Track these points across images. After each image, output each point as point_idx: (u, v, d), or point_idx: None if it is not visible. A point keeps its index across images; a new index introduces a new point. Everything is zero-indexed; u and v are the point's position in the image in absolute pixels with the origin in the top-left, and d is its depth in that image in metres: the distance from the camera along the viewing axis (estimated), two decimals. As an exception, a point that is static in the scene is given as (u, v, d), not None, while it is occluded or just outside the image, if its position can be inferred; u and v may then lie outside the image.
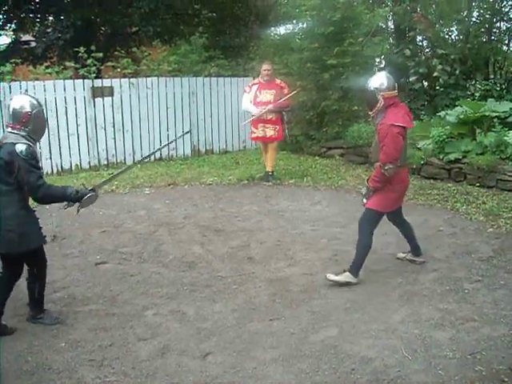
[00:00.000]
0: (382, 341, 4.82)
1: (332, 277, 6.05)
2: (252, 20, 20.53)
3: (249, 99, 10.99)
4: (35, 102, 5.14)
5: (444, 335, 4.89)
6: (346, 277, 6.03)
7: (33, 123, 5.05)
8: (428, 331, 4.96)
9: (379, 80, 5.90)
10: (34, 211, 5.26)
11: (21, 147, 4.86)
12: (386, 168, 5.73)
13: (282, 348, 4.77)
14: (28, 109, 5.03)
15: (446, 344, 4.73)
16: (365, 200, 6.10)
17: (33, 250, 5.14)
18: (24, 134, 4.99)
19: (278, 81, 11.11)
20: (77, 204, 5.26)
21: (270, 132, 10.90)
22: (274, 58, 15.61)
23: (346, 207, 9.11)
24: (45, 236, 5.36)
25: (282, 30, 19.52)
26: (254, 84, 11.07)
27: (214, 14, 20.01)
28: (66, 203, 5.26)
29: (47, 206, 9.09)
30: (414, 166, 10.17)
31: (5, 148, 4.89)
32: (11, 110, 5.06)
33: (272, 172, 11.19)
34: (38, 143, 5.35)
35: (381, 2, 18.11)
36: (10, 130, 5.02)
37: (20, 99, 5.18)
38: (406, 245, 6.67)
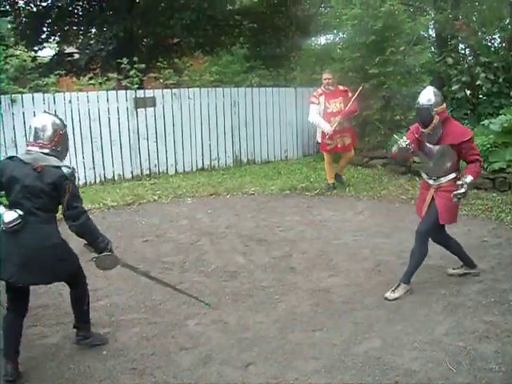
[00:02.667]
0: (425, 353, 4.72)
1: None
2: (293, 30, 20.53)
3: (317, 110, 10.71)
4: (60, 122, 4.85)
5: (489, 348, 4.77)
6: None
7: (62, 143, 4.78)
8: (473, 344, 4.84)
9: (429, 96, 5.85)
10: None
11: (67, 170, 4.58)
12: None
13: (324, 359, 4.71)
14: (59, 128, 4.76)
15: (491, 357, 4.61)
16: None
17: (75, 270, 4.94)
18: (54, 154, 4.67)
19: (340, 87, 10.93)
20: (93, 254, 4.87)
21: (348, 140, 10.88)
22: (315, 68, 15.62)
23: (388, 217, 9.02)
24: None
25: (322, 39, 19.54)
26: (321, 94, 10.77)
27: (255, 25, 20.02)
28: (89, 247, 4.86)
29: (90, 216, 9.20)
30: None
31: (50, 172, 4.51)
32: (39, 127, 4.69)
33: (341, 175, 11.38)
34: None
35: (422, 11, 18.00)
36: (37, 149, 4.62)
37: (48, 117, 4.82)
38: (450, 255, 6.55)
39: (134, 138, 12.76)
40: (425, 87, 6.21)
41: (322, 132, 10.71)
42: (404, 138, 6.06)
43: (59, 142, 4.72)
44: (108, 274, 6.78)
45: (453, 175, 5.97)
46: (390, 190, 10.86)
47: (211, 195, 11.00)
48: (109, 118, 12.45)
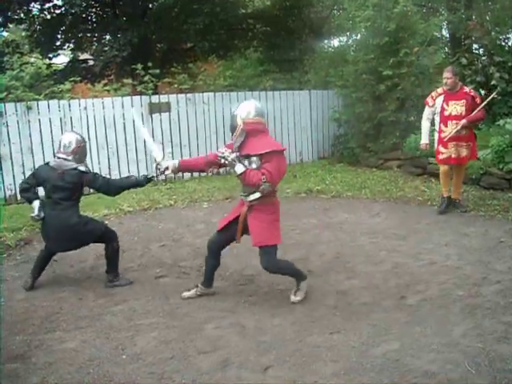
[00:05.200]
0: (444, 355, 4.69)
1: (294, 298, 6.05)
2: (306, 33, 20.55)
3: (429, 113, 9.45)
4: (81, 138, 6.61)
5: (508, 349, 4.73)
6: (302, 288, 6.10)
7: (80, 153, 6.52)
8: (492, 345, 4.80)
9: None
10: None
11: (83, 168, 6.42)
12: None
13: (342, 362, 4.69)
14: (79, 142, 6.52)
15: (510, 358, 4.57)
16: None
17: (100, 235, 6.64)
18: (74, 160, 6.41)
19: (466, 89, 9.28)
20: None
21: (464, 152, 9.09)
22: (328, 70, 15.62)
23: (405, 219, 9.00)
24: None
25: (335, 42, 19.53)
26: (439, 95, 9.25)
27: (268, 28, 20.08)
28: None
29: (107, 221, 9.27)
30: (474, 177, 9.98)
31: (69, 174, 6.32)
32: (64, 143, 6.47)
33: (459, 200, 9.49)
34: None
35: (435, 11, 17.95)
36: (63, 157, 6.41)
37: (72, 135, 6.64)
38: (468, 256, 6.53)
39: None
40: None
41: (439, 137, 9.24)
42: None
43: (78, 152, 6.48)
44: (126, 279, 6.85)
45: (259, 194, 5.73)
46: (405, 191, 10.82)
47: (227, 199, 11.01)
48: (124, 123, 12.51)
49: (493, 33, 15.36)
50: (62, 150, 6.45)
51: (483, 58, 15.90)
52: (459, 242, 7.63)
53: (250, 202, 5.78)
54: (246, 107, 5.82)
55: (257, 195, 5.71)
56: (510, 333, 5.00)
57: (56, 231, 6.32)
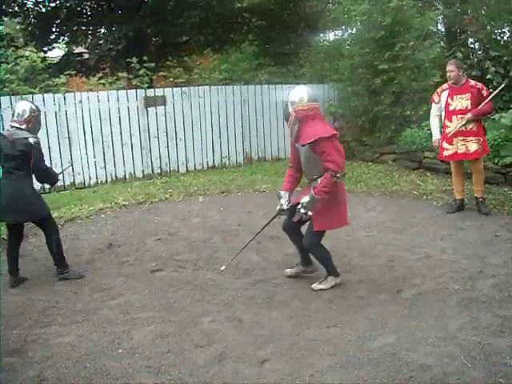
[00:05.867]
0: (440, 348, 4.70)
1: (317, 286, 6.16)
2: (301, 27, 20.52)
3: (437, 111, 9.13)
4: (35, 107, 6.69)
5: (504, 342, 4.74)
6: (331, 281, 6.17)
7: (33, 122, 6.58)
8: (487, 338, 4.81)
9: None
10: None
11: (33, 140, 6.38)
12: None
13: (339, 355, 4.69)
14: (32, 111, 6.58)
15: (506, 351, 4.58)
16: None
17: (46, 217, 6.65)
18: (26, 129, 6.45)
19: (471, 82, 8.87)
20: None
21: (474, 146, 8.63)
22: (324, 64, 15.59)
23: (400, 213, 9.00)
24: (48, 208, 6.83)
25: (331, 36, 19.52)
26: (444, 90, 8.95)
27: (264, 22, 20.02)
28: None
29: (102, 215, 9.27)
30: (469, 171, 9.98)
31: (20, 143, 6.32)
32: (18, 112, 6.53)
33: (483, 198, 9.01)
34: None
35: (431, 5, 17.93)
36: (16, 126, 6.46)
37: (24, 104, 6.70)
38: (463, 250, 6.54)
39: (145, 136, 12.80)
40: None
41: (444, 132, 8.93)
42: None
43: (31, 121, 6.55)
44: (122, 273, 6.84)
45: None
46: (401, 185, 10.81)
47: (222, 193, 11.01)
48: (119, 117, 12.49)
49: (488, 27, 15.31)
50: (15, 118, 6.52)
51: (479, 52, 15.88)
52: (455, 236, 7.64)
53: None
54: (298, 94, 5.82)
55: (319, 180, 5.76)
56: (506, 327, 5.01)
57: (8, 200, 6.30)
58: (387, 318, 5.33)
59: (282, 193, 6.25)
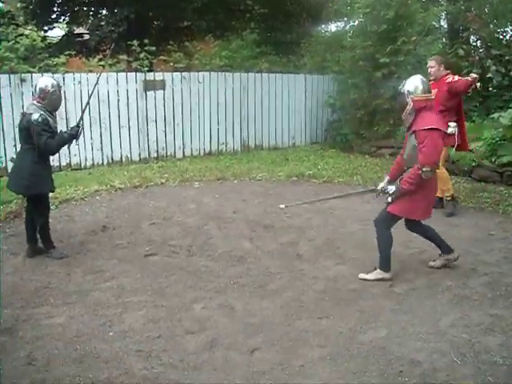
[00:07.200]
0: (430, 344, 4.72)
1: (363, 275, 6.14)
2: (304, 17, 20.44)
3: None
4: (54, 83, 6.70)
5: (494, 341, 4.76)
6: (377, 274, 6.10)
7: (48, 99, 6.58)
8: (478, 336, 4.83)
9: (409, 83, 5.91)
10: (50, 167, 6.99)
11: (35, 116, 6.38)
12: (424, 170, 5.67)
13: (329, 347, 4.71)
14: (47, 87, 6.58)
15: (495, 350, 4.60)
16: None
17: (38, 195, 6.68)
18: (40, 106, 6.52)
19: (448, 78, 8.61)
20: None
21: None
22: (325, 55, 15.56)
23: (396, 207, 8.99)
24: (53, 187, 6.95)
25: (333, 27, 19.44)
26: None
27: (266, 10, 19.93)
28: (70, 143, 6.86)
29: (97, 197, 9.26)
30: (466, 169, 9.98)
31: (25, 117, 6.49)
32: (36, 88, 6.66)
33: (452, 197, 8.78)
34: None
35: (435, 1, 17.89)
36: (33, 102, 6.61)
37: (41, 80, 6.81)
38: (457, 247, 6.54)
39: (143, 120, 12.78)
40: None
41: None
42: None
43: (47, 98, 6.57)
44: (115, 256, 6.83)
45: None
46: (397, 179, 10.80)
47: (218, 180, 11.00)
48: (118, 99, 12.46)
49: (491, 25, 15.32)
50: (34, 94, 6.76)
51: (480, 50, 15.88)
52: (449, 233, 7.62)
53: None
54: (414, 83, 5.85)
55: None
56: (497, 325, 5.03)
57: (12, 170, 6.93)
58: (379, 312, 5.34)
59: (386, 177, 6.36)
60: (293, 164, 12.43)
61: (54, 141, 6.55)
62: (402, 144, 6.18)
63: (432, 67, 8.78)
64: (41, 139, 6.40)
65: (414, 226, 6.27)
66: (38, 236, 6.86)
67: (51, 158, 6.95)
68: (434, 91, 8.29)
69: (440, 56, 9.50)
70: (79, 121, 6.89)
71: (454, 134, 8.41)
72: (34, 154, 6.48)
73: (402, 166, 6.18)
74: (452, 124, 8.38)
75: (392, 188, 5.93)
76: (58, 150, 6.90)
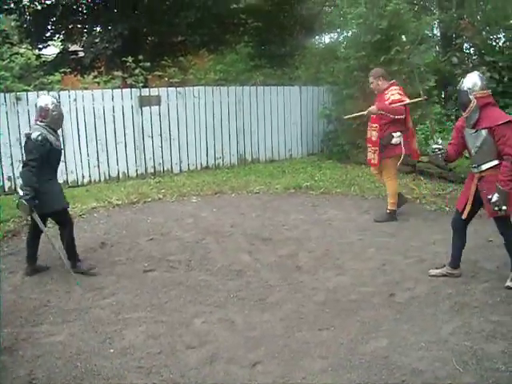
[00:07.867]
0: (432, 352, 4.71)
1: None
2: (297, 29, 20.51)
3: None
4: (50, 102, 6.62)
5: (496, 348, 4.75)
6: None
7: (49, 117, 6.54)
8: (479, 343, 4.82)
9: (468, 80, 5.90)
10: (59, 184, 7.02)
11: (34, 135, 6.30)
12: None
13: (331, 358, 4.69)
14: (46, 106, 6.53)
15: (497, 357, 4.59)
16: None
17: (57, 211, 6.65)
18: (43, 124, 6.48)
19: (387, 93, 8.72)
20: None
21: (369, 155, 9.02)
22: (319, 67, 15.61)
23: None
24: (67, 202, 7.02)
25: (326, 38, 19.53)
26: None
27: (260, 24, 19.98)
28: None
29: (95, 214, 9.25)
30: (462, 176, 9.97)
31: (25, 137, 6.45)
32: (37, 106, 6.60)
33: (391, 211, 8.94)
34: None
35: (427, 10, 17.98)
36: (36, 122, 6.55)
37: (39, 99, 6.77)
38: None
39: (139, 136, 12.78)
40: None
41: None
42: (439, 141, 6.25)
43: (48, 116, 6.52)
44: (114, 273, 6.82)
45: (495, 162, 5.80)
46: (394, 189, 10.81)
47: (216, 194, 11.00)
48: (114, 116, 12.46)
49: (484, 33, 15.37)
50: (37, 113, 6.65)
51: (474, 57, 15.91)
52: (448, 240, 7.59)
53: (481, 172, 5.89)
54: (472, 80, 5.84)
55: (492, 163, 5.81)
56: (498, 332, 5.02)
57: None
58: (380, 322, 5.33)
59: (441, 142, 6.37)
60: (290, 176, 12.44)
61: (29, 171, 6.28)
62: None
63: (371, 83, 8.96)
64: (27, 156, 6.37)
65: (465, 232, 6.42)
66: (65, 252, 6.77)
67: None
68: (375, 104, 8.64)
69: (379, 68, 9.55)
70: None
71: (399, 144, 8.65)
72: (42, 173, 6.34)
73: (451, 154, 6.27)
74: (396, 134, 8.62)
75: (495, 196, 5.72)
76: (23, 179, 6.46)
